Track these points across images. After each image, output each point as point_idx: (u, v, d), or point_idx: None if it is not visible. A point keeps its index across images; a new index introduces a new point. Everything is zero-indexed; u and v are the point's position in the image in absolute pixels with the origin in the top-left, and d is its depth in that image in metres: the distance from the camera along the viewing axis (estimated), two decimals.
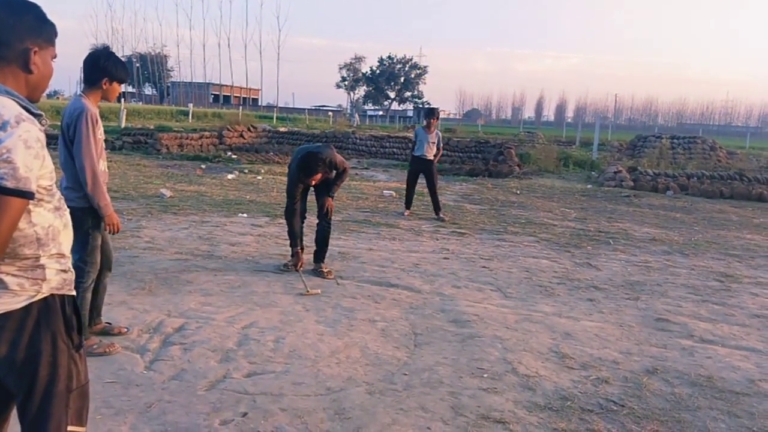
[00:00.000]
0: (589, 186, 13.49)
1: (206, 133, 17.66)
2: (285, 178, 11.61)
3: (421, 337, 3.83)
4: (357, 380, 3.15)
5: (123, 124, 23.66)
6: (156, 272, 4.89)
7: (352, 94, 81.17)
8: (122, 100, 28.84)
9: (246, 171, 12.49)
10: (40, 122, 1.59)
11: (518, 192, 11.74)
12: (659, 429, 2.78)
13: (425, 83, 79.56)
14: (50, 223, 1.59)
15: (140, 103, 58.01)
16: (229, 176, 11.43)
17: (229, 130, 18.35)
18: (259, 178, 11.60)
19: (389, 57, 77.66)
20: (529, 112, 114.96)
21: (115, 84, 3.18)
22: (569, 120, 72.41)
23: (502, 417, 2.81)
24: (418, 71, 78.43)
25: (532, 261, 5.98)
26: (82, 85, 3.21)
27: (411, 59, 78.07)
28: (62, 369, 1.62)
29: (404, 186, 8.86)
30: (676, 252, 6.78)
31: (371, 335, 3.80)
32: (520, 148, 19.15)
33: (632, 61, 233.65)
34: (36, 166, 1.49)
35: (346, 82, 79.67)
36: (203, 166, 13.05)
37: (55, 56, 1.70)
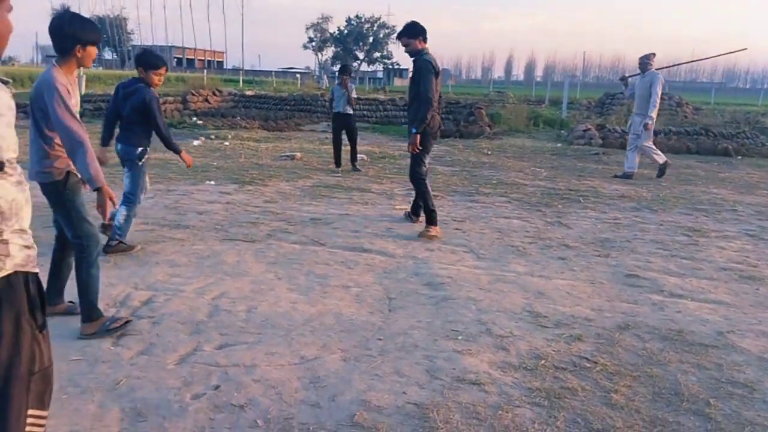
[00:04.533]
0: (558, 145, 13.55)
1: (170, 98, 17.13)
2: (253, 144, 11.40)
3: (395, 301, 3.80)
4: (331, 347, 3.11)
5: (83, 91, 22.85)
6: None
7: (319, 55, 79.62)
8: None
9: (212, 137, 12.19)
10: (8, 88, 1.49)
11: (489, 152, 11.72)
12: (632, 384, 2.81)
13: (394, 43, 78.31)
14: (13, 196, 1.51)
15: (100, 68, 56.00)
16: (195, 143, 11.14)
17: (193, 94, 17.83)
18: (227, 143, 11.34)
19: (357, 16, 76.18)
20: (498, 72, 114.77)
21: (89, 48, 2.90)
22: (538, 79, 72.40)
23: (477, 378, 2.81)
24: (386, 31, 77.09)
25: (504, 221, 5.99)
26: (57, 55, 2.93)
27: (379, 18, 76.71)
28: (24, 351, 1.55)
29: (377, 149, 8.82)
30: (644, 208, 6.86)
31: (345, 301, 3.76)
32: (490, 108, 19.07)
33: (599, 17, 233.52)
34: (8, 134, 1.41)
35: (314, 43, 78.01)
36: None
37: (10, 9, 1.57)
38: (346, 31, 76.06)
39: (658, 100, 8.58)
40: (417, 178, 5.35)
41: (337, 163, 8.79)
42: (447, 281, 4.18)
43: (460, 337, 3.27)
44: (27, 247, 1.56)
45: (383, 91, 31.58)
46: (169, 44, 76.37)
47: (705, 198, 7.63)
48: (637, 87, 8.88)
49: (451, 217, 6.11)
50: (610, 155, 11.83)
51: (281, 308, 3.60)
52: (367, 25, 76.51)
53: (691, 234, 5.73)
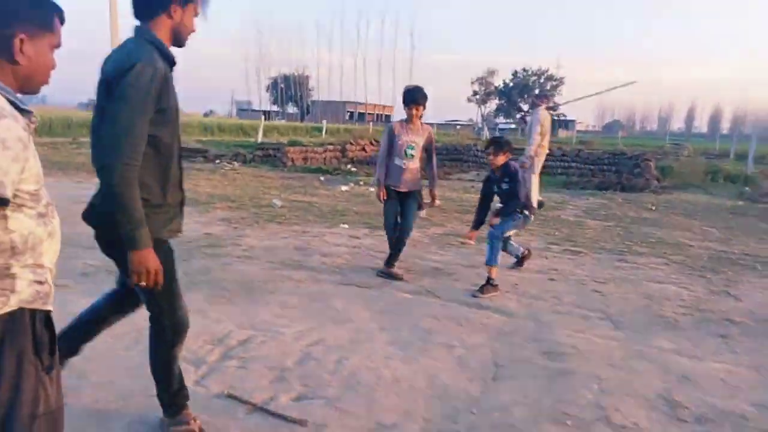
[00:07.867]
0: (740, 203, 11.82)
1: (330, 147, 18.08)
2: None
3: (503, 369, 3.33)
4: (414, 415, 2.75)
5: (260, 139, 25.12)
6: (242, 281, 4.83)
7: (482, 107, 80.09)
8: (262, 117, 30.71)
9: (361, 183, 12.50)
10: (29, 119, 1.45)
11: (653, 207, 10.54)
12: None
13: (561, 94, 76.31)
14: (30, 230, 1.43)
15: (283, 120, 61.65)
16: (343, 188, 11.48)
17: (351, 143, 18.66)
18: (372, 189, 11.52)
19: (524, 69, 75.64)
20: (678, 124, 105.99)
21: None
22: (724, 131, 65.52)
23: None
24: (554, 82, 75.43)
25: (656, 287, 5.16)
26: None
27: (546, 71, 75.38)
28: (26, 393, 1.45)
29: None
30: None
31: (444, 363, 3.37)
32: (662, 160, 17.42)
33: None
34: (14, 169, 1.34)
35: (478, 96, 78.79)
36: (322, 178, 13.28)
37: (58, 45, 1.54)
38: (511, 84, 75.85)
39: (534, 138, 7.93)
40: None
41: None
42: (570, 352, 3.60)
43: (568, 422, 2.72)
44: (39, 282, 1.47)
45: None
46: (344, 99, 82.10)
47: None
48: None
49: (591, 277, 5.42)
50: None
51: (373, 363, 3.32)
52: (533, 78, 75.60)
53: None
